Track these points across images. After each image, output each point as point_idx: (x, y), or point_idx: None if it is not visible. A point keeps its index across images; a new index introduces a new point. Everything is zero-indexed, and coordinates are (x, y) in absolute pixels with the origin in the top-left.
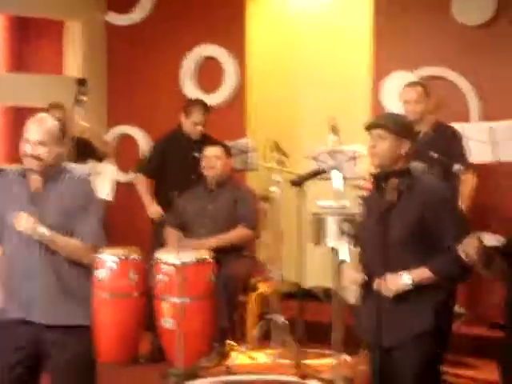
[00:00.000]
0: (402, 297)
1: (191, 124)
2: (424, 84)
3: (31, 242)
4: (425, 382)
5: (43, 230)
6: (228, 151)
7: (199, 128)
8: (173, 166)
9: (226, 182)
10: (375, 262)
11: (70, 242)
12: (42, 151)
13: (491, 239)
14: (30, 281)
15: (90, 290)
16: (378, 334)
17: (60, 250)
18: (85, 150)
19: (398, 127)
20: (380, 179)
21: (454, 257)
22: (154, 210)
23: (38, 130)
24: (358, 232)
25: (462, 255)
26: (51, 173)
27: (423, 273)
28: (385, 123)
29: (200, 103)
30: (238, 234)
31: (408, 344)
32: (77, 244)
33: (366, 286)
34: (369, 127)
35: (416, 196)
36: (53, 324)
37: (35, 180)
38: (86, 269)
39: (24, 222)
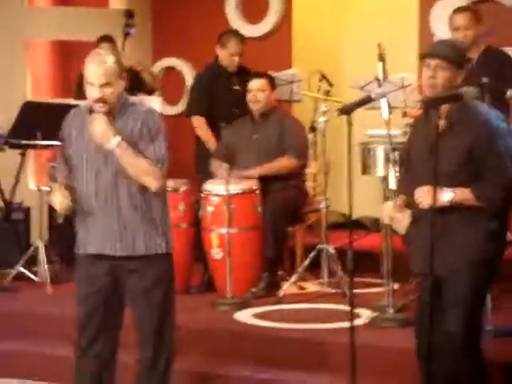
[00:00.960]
0: (453, 225)
1: (228, 55)
2: (474, 8)
3: (105, 177)
4: (472, 309)
5: (116, 139)
6: (272, 82)
7: (236, 59)
8: (215, 101)
9: (271, 113)
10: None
11: (139, 158)
12: (107, 92)
13: None
14: (106, 215)
15: (166, 218)
16: (430, 262)
17: (129, 165)
18: (134, 83)
19: (459, 57)
20: (430, 105)
21: (497, 183)
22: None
23: (99, 72)
24: (402, 158)
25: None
26: (118, 108)
27: (464, 193)
28: (446, 53)
29: (235, 33)
30: (284, 163)
31: (458, 272)
32: (145, 162)
33: (415, 215)
34: (427, 57)
35: (467, 126)
36: (132, 255)
37: (105, 117)
38: (160, 198)
39: (98, 126)
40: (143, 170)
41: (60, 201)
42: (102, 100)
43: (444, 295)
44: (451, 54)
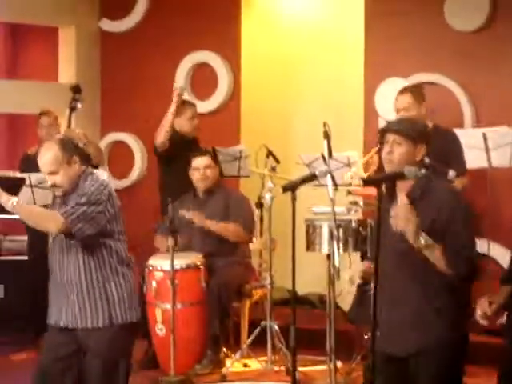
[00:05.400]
0: (417, 307)
1: (188, 120)
2: (415, 90)
3: (63, 256)
4: None
5: (11, 200)
6: (216, 158)
7: (196, 121)
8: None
9: (216, 189)
10: (387, 267)
11: (34, 209)
12: (55, 179)
13: (483, 245)
14: (60, 289)
15: (115, 295)
16: (392, 342)
17: (26, 218)
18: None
19: (415, 133)
20: (372, 183)
21: (463, 256)
22: None
23: (44, 162)
24: (371, 237)
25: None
26: (74, 187)
27: (437, 250)
28: (402, 129)
29: (189, 102)
30: (233, 227)
31: (425, 353)
32: (40, 210)
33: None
34: (385, 132)
35: (429, 203)
36: (80, 327)
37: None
38: (112, 278)
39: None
40: (40, 218)
41: None
42: (54, 186)
43: (409, 379)
44: (407, 130)
